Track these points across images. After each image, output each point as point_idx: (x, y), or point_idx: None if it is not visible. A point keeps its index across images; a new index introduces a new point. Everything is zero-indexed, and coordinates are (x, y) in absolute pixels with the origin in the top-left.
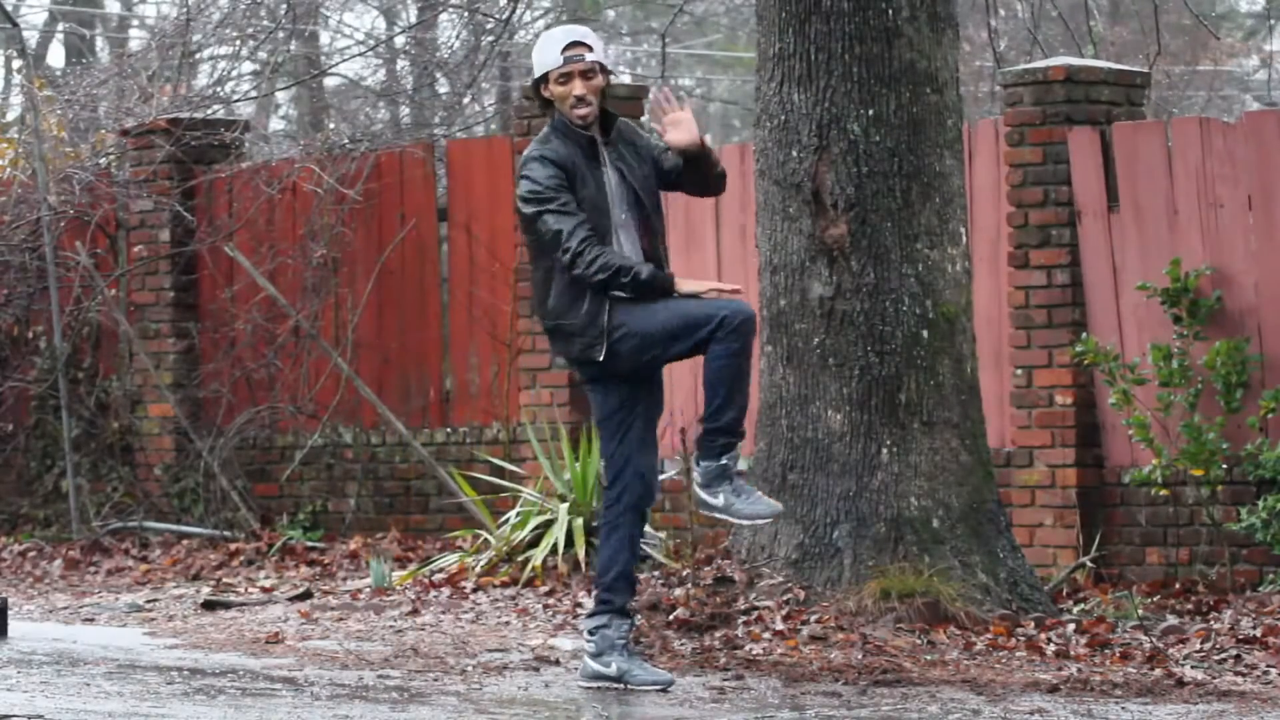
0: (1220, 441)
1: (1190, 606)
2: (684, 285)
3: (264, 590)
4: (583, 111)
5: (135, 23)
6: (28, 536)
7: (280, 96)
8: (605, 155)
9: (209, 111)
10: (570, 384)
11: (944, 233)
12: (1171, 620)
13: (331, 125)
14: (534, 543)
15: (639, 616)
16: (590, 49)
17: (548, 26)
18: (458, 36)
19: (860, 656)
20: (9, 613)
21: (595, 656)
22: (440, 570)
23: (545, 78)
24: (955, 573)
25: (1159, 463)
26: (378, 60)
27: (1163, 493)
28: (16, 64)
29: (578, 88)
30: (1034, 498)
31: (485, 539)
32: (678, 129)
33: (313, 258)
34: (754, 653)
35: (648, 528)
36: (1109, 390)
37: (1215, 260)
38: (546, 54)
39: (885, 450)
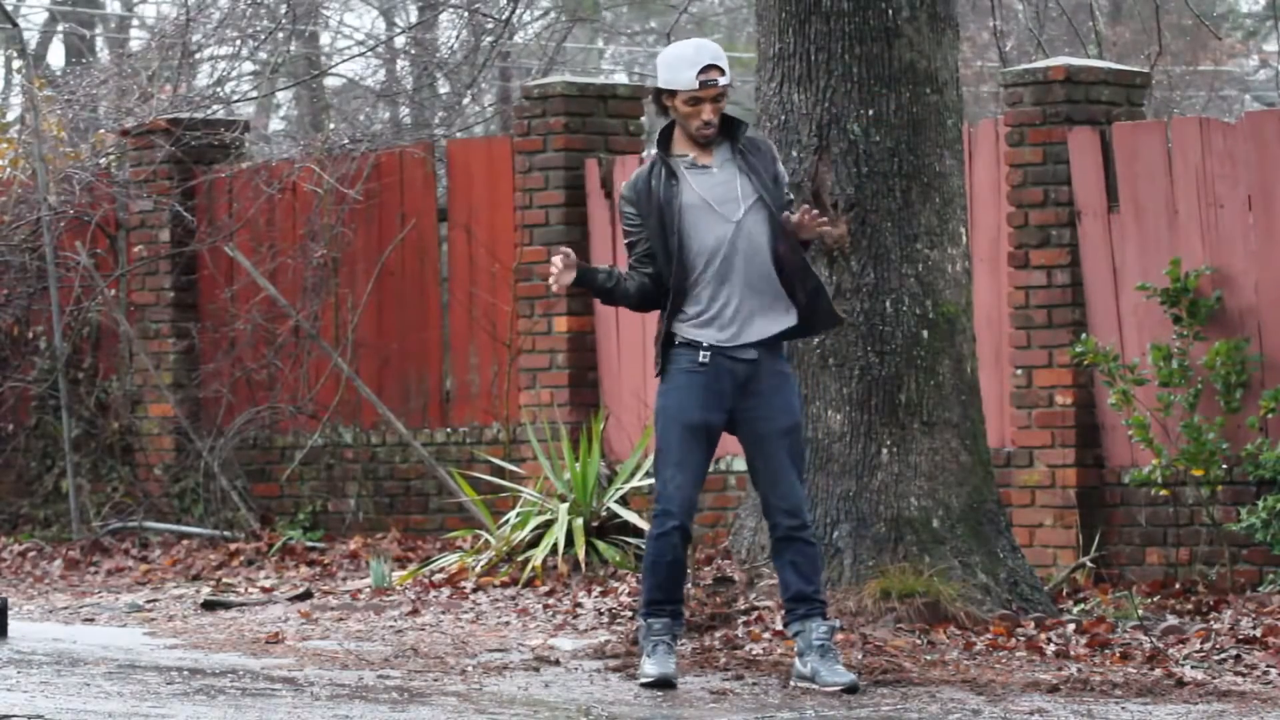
0: (1220, 441)
1: (1190, 606)
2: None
3: (264, 590)
4: (708, 133)
5: (135, 23)
6: (28, 536)
7: (280, 96)
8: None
9: (209, 111)
10: (570, 384)
11: (944, 233)
12: (1171, 620)
13: (331, 125)
14: (534, 543)
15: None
16: (723, 72)
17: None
18: (458, 36)
19: (860, 656)
20: (9, 613)
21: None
22: (440, 570)
23: (673, 92)
24: (955, 573)
25: (1159, 463)
26: (378, 60)
27: (1163, 493)
28: (16, 64)
29: (707, 113)
30: (1034, 498)
31: (485, 539)
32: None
33: (313, 258)
34: (754, 653)
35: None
36: (1109, 390)
37: (1215, 260)
38: (679, 71)
39: (885, 450)
